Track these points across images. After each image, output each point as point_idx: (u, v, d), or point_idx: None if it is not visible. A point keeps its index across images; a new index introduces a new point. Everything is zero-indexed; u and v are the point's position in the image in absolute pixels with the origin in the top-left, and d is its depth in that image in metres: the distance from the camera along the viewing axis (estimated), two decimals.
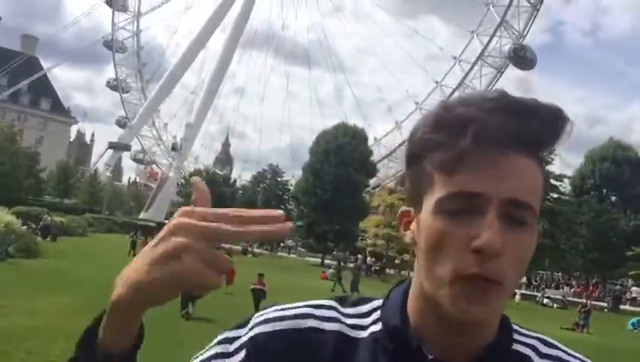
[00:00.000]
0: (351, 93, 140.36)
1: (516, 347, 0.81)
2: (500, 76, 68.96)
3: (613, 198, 49.90)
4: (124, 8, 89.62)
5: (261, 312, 0.85)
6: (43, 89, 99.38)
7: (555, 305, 34.15)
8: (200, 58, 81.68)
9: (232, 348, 0.81)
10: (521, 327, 0.85)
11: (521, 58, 65.92)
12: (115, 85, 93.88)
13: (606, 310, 34.82)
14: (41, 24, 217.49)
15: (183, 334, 11.98)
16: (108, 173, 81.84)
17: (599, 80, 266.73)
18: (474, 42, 69.72)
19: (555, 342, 0.84)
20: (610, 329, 23.99)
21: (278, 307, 0.85)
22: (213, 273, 0.59)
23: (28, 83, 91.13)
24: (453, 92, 71.02)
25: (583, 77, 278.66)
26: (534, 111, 0.69)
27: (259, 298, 15.48)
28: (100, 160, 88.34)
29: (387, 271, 43.35)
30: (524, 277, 49.27)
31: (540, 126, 0.69)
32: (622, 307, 37.20)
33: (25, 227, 24.69)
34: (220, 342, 0.82)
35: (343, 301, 0.87)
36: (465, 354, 0.75)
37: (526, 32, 66.24)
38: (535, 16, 65.96)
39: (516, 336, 0.82)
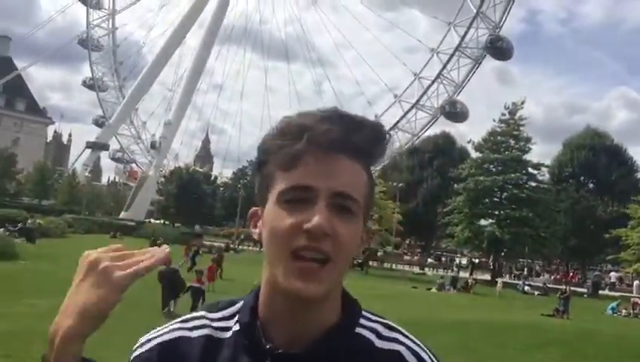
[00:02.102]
0: (330, 87, 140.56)
1: (359, 330, 0.91)
2: (478, 67, 69.34)
3: (591, 185, 50.60)
4: (98, 5, 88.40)
5: (141, 337, 0.96)
6: (18, 90, 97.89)
7: (536, 293, 34.56)
8: (177, 54, 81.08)
9: None
10: (371, 314, 0.95)
11: (498, 49, 66.29)
12: (91, 84, 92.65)
13: (586, 296, 35.32)
14: (13, 23, 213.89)
15: None
16: (86, 173, 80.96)
17: (577, 69, 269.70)
18: (451, 34, 69.97)
19: (397, 326, 0.95)
20: (590, 314, 24.36)
21: (155, 329, 0.96)
22: (142, 264, 0.80)
23: (2, 84, 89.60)
24: (431, 84, 71.29)
25: (561, 66, 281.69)
26: (357, 123, 0.86)
27: (196, 297, 14.04)
28: (77, 160, 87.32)
29: (370, 263, 43.48)
30: (508, 267, 49.86)
31: (361, 136, 0.85)
32: (601, 292, 37.79)
33: (2, 229, 24.42)
34: None
35: (211, 307, 0.98)
36: (308, 338, 0.86)
37: (502, 22, 66.62)
38: (511, 7, 66.34)
39: (362, 321, 0.93)
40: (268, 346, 0.86)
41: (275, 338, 0.87)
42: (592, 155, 49.99)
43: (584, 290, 37.66)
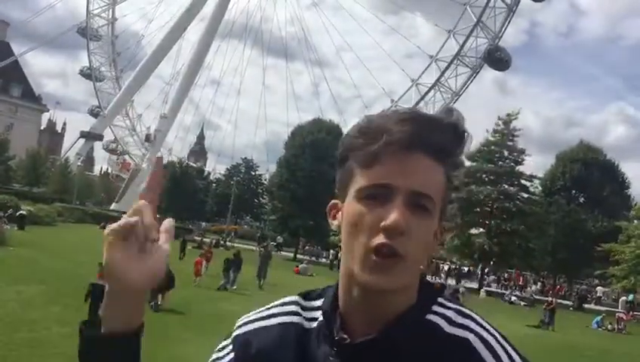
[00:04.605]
0: (328, 88, 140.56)
1: (429, 317, 0.92)
2: (476, 76, 69.52)
3: (582, 199, 50.82)
4: None
5: (241, 317, 1.05)
6: (14, 75, 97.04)
7: (522, 303, 34.70)
8: (176, 48, 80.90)
9: (222, 353, 1.02)
10: (449, 301, 0.96)
11: (496, 59, 66.52)
12: (88, 73, 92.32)
13: (571, 308, 35.50)
14: (12, 8, 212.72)
15: (153, 324, 11.92)
16: (79, 163, 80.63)
17: (576, 82, 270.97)
18: (451, 41, 70.16)
19: (472, 314, 0.94)
20: (575, 327, 24.48)
21: (255, 311, 1.05)
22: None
23: None
24: (428, 91, 71.45)
25: (560, 79, 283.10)
26: (435, 123, 0.89)
27: (98, 297, 9.96)
28: (71, 149, 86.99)
29: None
30: (493, 276, 49.99)
31: (438, 135, 0.88)
32: (587, 306, 37.98)
33: None
34: (216, 351, 1.04)
35: (307, 295, 1.04)
36: (380, 326, 0.89)
37: (501, 33, 66.83)
38: (511, 18, 66.57)
39: (435, 308, 0.93)
40: (337, 337, 0.91)
41: (353, 327, 0.91)
42: (585, 170, 50.19)
43: (570, 303, 37.86)
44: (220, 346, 1.04)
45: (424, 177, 0.87)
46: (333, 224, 0.95)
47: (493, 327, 0.93)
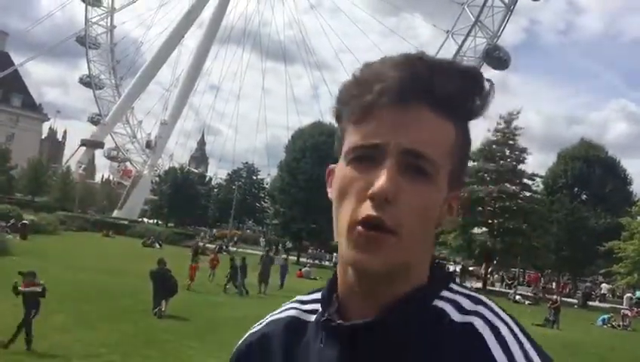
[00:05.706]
0: (327, 91, 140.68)
1: (437, 303, 0.77)
2: None
3: (584, 197, 50.75)
4: (97, 3, 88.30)
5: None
6: (14, 85, 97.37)
7: (526, 302, 34.61)
8: (175, 54, 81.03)
9: None
10: (462, 287, 0.81)
11: (495, 58, 66.56)
12: (88, 82, 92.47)
13: (576, 306, 35.40)
14: (11, 18, 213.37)
15: (156, 331, 11.91)
16: (80, 171, 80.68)
17: (576, 80, 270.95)
18: (449, 42, 70.26)
19: (485, 300, 0.79)
20: (580, 325, 24.41)
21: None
22: None
23: None
24: None
25: (561, 76, 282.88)
26: (442, 68, 0.73)
27: (30, 308, 10.12)
28: (72, 157, 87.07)
29: None
30: (500, 275, 49.87)
31: (446, 83, 0.72)
32: (591, 303, 37.89)
33: None
34: None
35: (310, 293, 0.92)
36: (379, 311, 0.75)
37: (500, 32, 66.93)
38: (509, 17, 66.66)
39: (445, 293, 0.79)
40: (323, 319, 0.78)
41: (351, 313, 0.77)
42: (587, 167, 50.18)
43: (574, 301, 37.76)
44: None
45: (422, 133, 0.71)
46: (329, 192, 0.80)
47: (509, 315, 0.77)
